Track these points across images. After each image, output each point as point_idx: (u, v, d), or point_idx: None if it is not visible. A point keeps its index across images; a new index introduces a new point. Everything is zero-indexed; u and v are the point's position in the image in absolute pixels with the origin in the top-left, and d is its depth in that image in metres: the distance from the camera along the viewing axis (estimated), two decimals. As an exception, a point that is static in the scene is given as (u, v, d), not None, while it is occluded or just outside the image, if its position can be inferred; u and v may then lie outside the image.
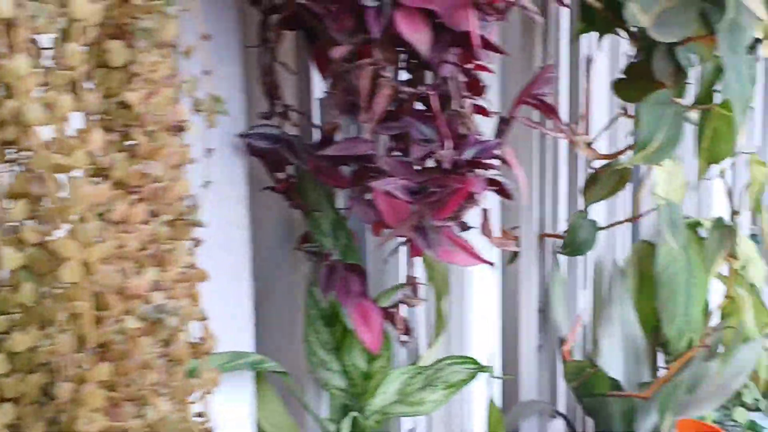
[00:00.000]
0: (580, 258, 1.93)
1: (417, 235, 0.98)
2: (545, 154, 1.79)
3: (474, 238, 1.10)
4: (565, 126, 1.05)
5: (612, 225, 1.85)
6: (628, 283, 2.07)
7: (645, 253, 2.09)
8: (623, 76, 1.44)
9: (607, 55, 1.99)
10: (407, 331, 1.08)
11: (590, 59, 1.80)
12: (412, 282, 1.06)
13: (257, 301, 1.18)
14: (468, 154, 0.94)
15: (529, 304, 1.78)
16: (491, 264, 0.99)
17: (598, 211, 2.01)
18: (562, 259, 1.88)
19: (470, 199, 0.95)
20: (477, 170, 0.95)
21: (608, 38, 1.97)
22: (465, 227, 1.08)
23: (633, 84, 1.42)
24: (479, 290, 1.58)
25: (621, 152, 1.52)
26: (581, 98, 1.84)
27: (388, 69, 0.93)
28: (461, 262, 1.03)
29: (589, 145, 1.74)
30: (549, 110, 1.02)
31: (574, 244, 1.73)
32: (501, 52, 0.93)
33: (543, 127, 1.03)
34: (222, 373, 1.04)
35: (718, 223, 1.71)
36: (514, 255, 1.82)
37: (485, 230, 1.00)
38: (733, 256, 1.70)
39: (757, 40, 2.08)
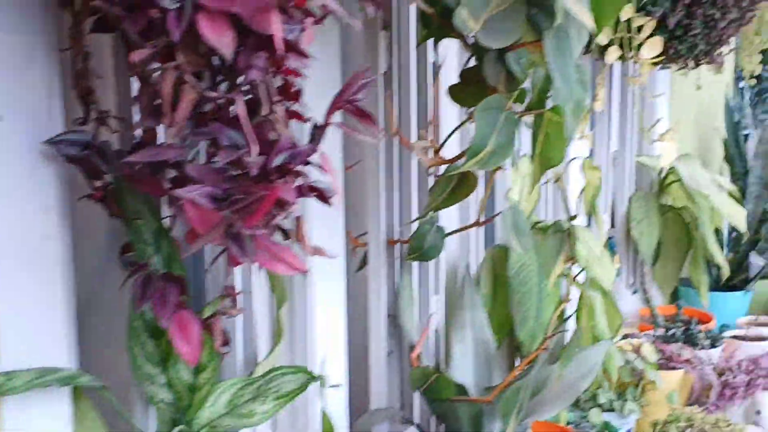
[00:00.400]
0: (432, 262, 1.94)
1: (231, 243, 0.96)
2: (392, 158, 1.79)
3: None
4: (383, 131, 1.04)
5: (460, 230, 1.86)
6: (482, 288, 2.09)
7: (499, 257, 2.11)
8: (459, 81, 1.45)
9: (458, 60, 2.00)
10: (226, 342, 1.05)
11: (437, 64, 1.81)
12: (230, 292, 1.04)
13: (81, 314, 1.14)
14: (277, 160, 0.92)
15: (378, 310, 1.77)
16: (305, 272, 0.97)
17: (452, 215, 2.02)
18: (415, 263, 1.88)
19: (281, 205, 0.93)
20: (289, 177, 0.94)
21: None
22: (287, 234, 1.06)
23: (468, 89, 1.43)
24: (324, 297, 1.56)
25: (458, 157, 1.53)
26: (430, 104, 1.84)
27: (194, 73, 0.90)
28: (280, 270, 1.01)
29: (437, 150, 1.75)
30: (363, 116, 1.01)
31: (421, 249, 1.73)
32: (306, 57, 0.92)
33: (359, 133, 1.02)
34: (29, 391, 1.00)
35: (556, 227, 1.73)
36: (364, 261, 1.81)
37: (299, 238, 0.98)
38: (571, 259, 1.72)
39: (605, 47, 2.13)
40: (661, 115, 3.36)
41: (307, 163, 0.98)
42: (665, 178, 3.33)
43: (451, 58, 1.92)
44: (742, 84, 3.93)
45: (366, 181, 1.74)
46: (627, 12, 1.97)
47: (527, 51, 1.35)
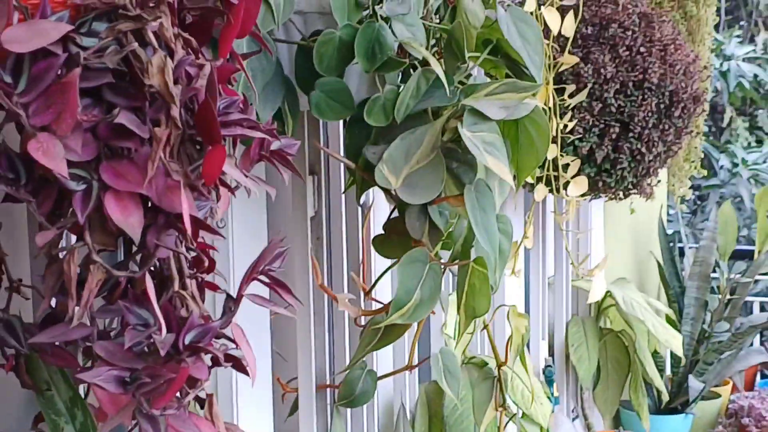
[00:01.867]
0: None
1: (144, 422, 0.93)
2: (323, 301, 1.78)
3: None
4: (298, 301, 1.03)
5: (392, 374, 1.84)
6: (417, 426, 2.06)
7: (434, 392, 2.09)
8: (383, 233, 1.45)
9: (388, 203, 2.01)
10: None
11: (366, 207, 1.81)
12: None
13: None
14: (189, 337, 0.91)
15: (310, 458, 1.74)
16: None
17: (387, 353, 2.00)
18: (347, 406, 1.85)
19: (192, 383, 0.92)
20: (200, 354, 0.92)
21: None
22: (203, 404, 1.04)
23: (392, 240, 1.43)
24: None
25: (384, 308, 1.52)
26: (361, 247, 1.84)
27: (101, 252, 0.89)
28: (197, 444, 0.99)
29: (367, 293, 1.74)
30: (279, 286, 1.00)
31: (352, 396, 1.70)
32: (216, 234, 0.91)
33: (274, 305, 1.01)
34: None
35: (486, 373, 1.72)
36: (294, 407, 1.78)
37: (210, 416, 0.96)
38: (503, 405, 1.71)
39: (533, 185, 2.16)
40: (596, 239, 3.40)
41: (219, 336, 0.97)
42: (602, 301, 3.35)
43: (380, 199, 1.93)
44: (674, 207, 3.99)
45: (296, 325, 1.72)
46: (552, 151, 2.01)
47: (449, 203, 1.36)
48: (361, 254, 1.84)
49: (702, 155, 3.29)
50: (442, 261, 1.42)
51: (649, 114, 2.33)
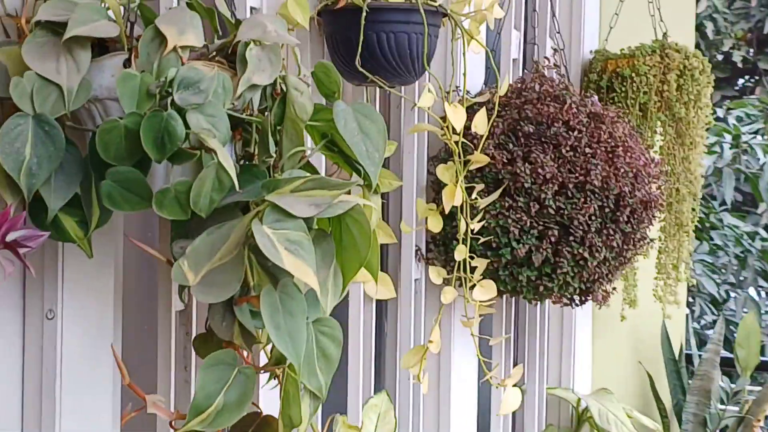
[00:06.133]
0: None
1: None
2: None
3: None
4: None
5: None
6: None
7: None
8: (206, 331, 1.38)
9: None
10: None
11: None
12: None
13: None
14: None
15: None
16: None
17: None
18: None
19: None
20: None
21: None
22: None
23: (210, 341, 1.36)
24: None
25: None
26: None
27: None
28: None
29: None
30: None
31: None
32: None
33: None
34: None
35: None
36: None
37: None
38: None
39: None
40: (580, 346, 3.26)
41: None
42: (584, 411, 3.19)
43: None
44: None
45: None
46: (461, 252, 1.91)
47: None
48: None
49: (691, 263, 3.13)
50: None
51: (591, 218, 2.22)
